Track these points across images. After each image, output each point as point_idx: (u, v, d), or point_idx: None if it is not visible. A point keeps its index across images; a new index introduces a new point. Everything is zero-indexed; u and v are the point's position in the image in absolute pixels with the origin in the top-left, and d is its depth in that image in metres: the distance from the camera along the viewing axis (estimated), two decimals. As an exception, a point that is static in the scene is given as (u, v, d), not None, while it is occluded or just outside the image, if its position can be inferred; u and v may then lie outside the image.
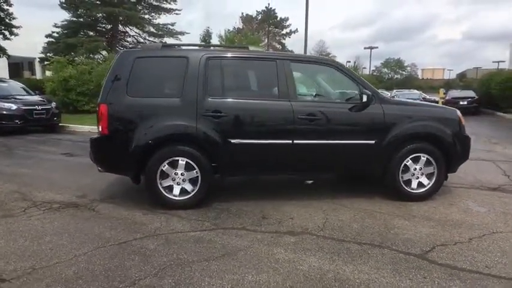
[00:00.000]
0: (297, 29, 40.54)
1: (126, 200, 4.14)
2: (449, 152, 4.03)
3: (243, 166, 3.89)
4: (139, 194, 4.39)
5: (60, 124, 10.61)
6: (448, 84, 51.61)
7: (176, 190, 3.77)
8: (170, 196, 3.77)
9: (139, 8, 20.47)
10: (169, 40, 21.60)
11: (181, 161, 3.71)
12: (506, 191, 4.60)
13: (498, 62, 42.74)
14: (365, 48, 39.77)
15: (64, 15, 19.13)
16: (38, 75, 24.84)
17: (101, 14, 18.79)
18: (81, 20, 19.22)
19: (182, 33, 21.24)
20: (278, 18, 41.00)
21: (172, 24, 20.83)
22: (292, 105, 3.79)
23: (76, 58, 17.76)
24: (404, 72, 72.41)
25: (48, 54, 19.59)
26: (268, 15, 40.84)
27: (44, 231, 3.24)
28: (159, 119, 3.66)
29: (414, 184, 4.07)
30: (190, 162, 3.71)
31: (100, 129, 3.74)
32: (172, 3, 20.37)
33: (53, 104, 10.36)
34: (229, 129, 3.72)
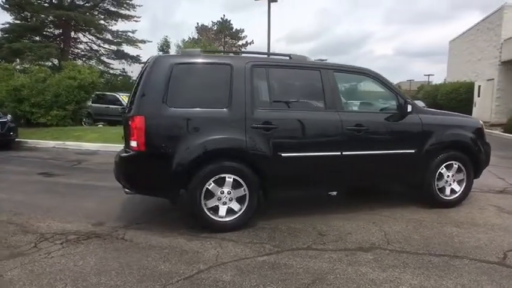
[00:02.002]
0: (252, 40, 41.08)
1: (155, 225, 3.65)
2: (477, 158, 4.22)
3: (292, 181, 3.66)
4: (164, 217, 3.95)
5: (16, 139, 9.29)
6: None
7: (222, 211, 3.41)
8: (216, 218, 3.39)
9: (95, 13, 19.05)
10: (127, 48, 20.42)
11: (228, 179, 3.37)
12: (509, 193, 4.96)
13: (428, 75, 48.01)
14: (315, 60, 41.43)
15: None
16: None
17: (51, 18, 17.08)
18: (27, 23, 17.26)
19: (143, 42, 20.22)
20: (234, 30, 41.25)
21: (133, 32, 19.76)
22: (340, 115, 3.68)
23: (19, 66, 15.97)
24: (348, 84, 76.91)
25: (-14, 60, 17.27)
26: (224, 26, 40.87)
27: (81, 271, 2.68)
28: (205, 131, 3.29)
29: (447, 191, 4.18)
30: (238, 179, 3.39)
31: (135, 145, 3.25)
32: (131, 9, 19.33)
33: (9, 117, 9.06)
34: (279, 142, 3.48)
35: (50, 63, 17.74)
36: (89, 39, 19.98)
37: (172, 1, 67.54)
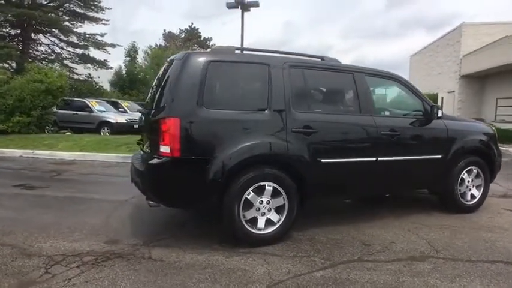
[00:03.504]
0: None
1: (180, 240, 3.26)
2: (493, 163, 4.32)
3: (330, 188, 3.47)
4: (185, 231, 3.60)
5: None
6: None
7: (261, 222, 3.12)
8: (254, 230, 3.09)
9: (60, 13, 17.73)
10: (92, 52, 19.20)
11: (268, 187, 3.10)
12: (513, 197, 5.17)
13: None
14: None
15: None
16: None
17: (9, 17, 15.59)
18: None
19: (113, 46, 19.13)
20: (202, 38, 40.85)
21: (102, 35, 18.64)
22: (374, 120, 3.57)
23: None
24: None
25: None
26: (192, 34, 40.32)
27: (120, 299, 2.26)
28: (246, 135, 3.01)
29: (468, 196, 4.22)
30: (278, 187, 3.13)
31: (167, 150, 2.87)
32: (99, 12, 18.24)
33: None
34: (319, 147, 3.28)
35: (7, 65, 16.19)
36: (51, 41, 18.57)
37: (130, 7, 65.57)
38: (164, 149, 2.89)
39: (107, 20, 18.84)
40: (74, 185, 5.59)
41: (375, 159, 3.55)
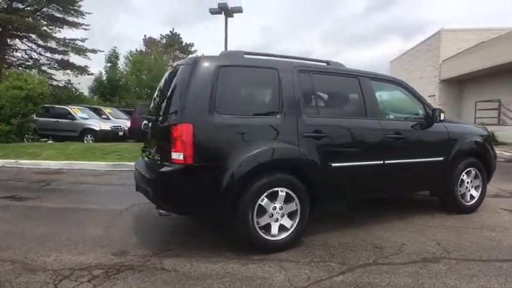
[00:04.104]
0: (203, 54, 40.67)
1: (190, 249, 3.17)
2: (490, 164, 4.46)
3: (339, 192, 3.47)
4: (193, 239, 3.49)
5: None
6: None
7: (274, 229, 3.07)
8: (268, 237, 3.05)
9: (38, 18, 17.12)
10: (72, 58, 18.65)
11: (281, 192, 3.06)
12: (505, 197, 5.35)
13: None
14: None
15: None
16: None
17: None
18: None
19: (94, 51, 18.62)
20: (183, 44, 40.57)
21: (83, 40, 18.11)
22: (381, 123, 3.61)
23: None
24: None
25: None
26: (173, 39, 39.98)
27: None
28: (259, 141, 2.96)
29: (468, 197, 4.33)
30: (290, 192, 3.10)
31: (180, 157, 2.78)
32: (79, 17, 17.74)
33: None
34: (329, 151, 3.28)
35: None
36: (28, 46, 17.89)
37: (110, 12, 64.56)
38: (176, 155, 2.81)
39: (87, 25, 18.38)
40: (65, 195, 5.36)
41: (382, 162, 3.58)
